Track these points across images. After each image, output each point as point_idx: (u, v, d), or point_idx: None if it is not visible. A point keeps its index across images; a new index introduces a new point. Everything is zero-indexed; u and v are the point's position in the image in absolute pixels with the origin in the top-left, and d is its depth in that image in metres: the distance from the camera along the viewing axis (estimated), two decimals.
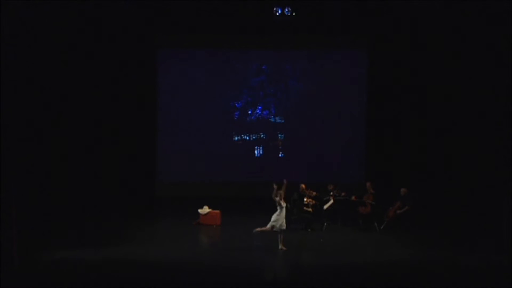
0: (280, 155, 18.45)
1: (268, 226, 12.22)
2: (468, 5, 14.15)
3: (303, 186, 14.62)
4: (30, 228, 12.34)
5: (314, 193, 14.67)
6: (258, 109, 18.36)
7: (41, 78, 13.93)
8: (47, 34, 14.01)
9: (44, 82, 14.14)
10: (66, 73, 15.40)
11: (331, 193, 14.66)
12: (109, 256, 11.71)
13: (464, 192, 15.17)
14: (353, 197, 14.57)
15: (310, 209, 14.30)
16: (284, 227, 12.23)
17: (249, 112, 18.36)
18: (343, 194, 14.64)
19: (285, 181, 12.28)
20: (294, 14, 15.44)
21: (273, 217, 12.16)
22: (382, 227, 14.13)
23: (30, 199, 12.60)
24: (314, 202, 14.43)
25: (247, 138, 18.44)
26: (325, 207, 14.40)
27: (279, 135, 18.46)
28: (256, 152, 18.42)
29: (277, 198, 12.09)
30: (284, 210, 12.19)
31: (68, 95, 15.54)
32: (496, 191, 13.04)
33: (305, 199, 14.35)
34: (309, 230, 14.13)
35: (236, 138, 18.44)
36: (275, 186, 12.18)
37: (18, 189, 11.21)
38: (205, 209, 14.85)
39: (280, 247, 12.19)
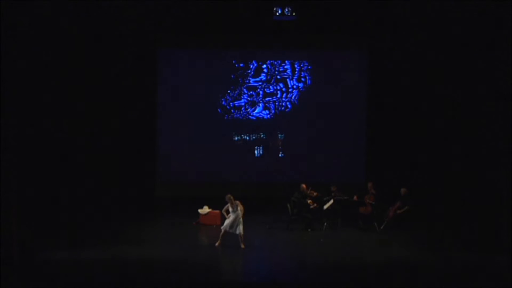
0: (280, 155, 18.44)
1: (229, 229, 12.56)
2: (468, 5, 14.15)
3: (303, 186, 14.61)
4: (30, 228, 12.36)
5: (315, 193, 14.66)
6: (258, 109, 18.35)
7: (41, 77, 13.94)
8: (47, 34, 14.02)
9: (44, 81, 14.15)
10: (66, 72, 15.40)
11: (332, 194, 14.63)
12: (109, 256, 11.72)
13: (464, 192, 15.17)
14: (354, 197, 14.58)
15: (313, 205, 14.32)
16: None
17: (249, 112, 18.36)
18: (345, 198, 14.58)
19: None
20: (294, 14, 15.40)
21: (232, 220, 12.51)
22: (382, 227, 14.13)
23: (30, 199, 12.62)
24: (316, 205, 14.42)
25: (247, 138, 18.43)
26: (325, 207, 14.40)
27: (279, 135, 18.46)
28: (256, 152, 18.41)
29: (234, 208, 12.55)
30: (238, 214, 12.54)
31: (68, 94, 15.54)
32: (496, 190, 13.05)
33: (309, 202, 14.31)
34: (309, 230, 14.14)
35: (236, 138, 18.42)
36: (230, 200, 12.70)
37: (18, 189, 11.22)
38: (205, 209, 14.87)
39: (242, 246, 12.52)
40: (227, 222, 12.57)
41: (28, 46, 12.81)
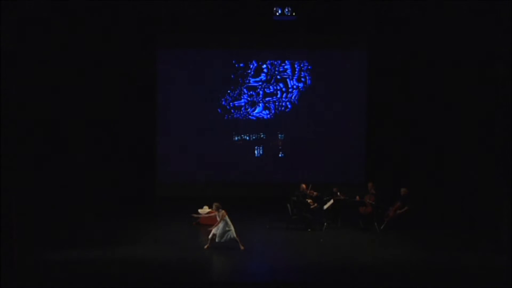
0: (280, 155, 18.45)
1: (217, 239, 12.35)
2: (468, 5, 14.15)
3: (303, 186, 14.61)
4: (30, 228, 12.36)
5: (315, 193, 14.65)
6: (258, 109, 18.35)
7: (41, 77, 13.95)
8: (47, 34, 14.02)
9: (44, 81, 14.16)
10: (66, 73, 15.41)
11: (333, 195, 14.61)
12: (109, 256, 11.72)
13: (464, 192, 15.16)
14: (357, 197, 14.57)
15: (313, 205, 14.31)
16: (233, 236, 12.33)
17: (249, 112, 18.36)
18: (345, 198, 14.55)
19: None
20: (294, 14, 15.41)
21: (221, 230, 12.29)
22: (382, 227, 14.13)
23: (30, 199, 12.62)
24: (315, 205, 14.42)
25: (247, 138, 18.44)
26: (325, 207, 14.40)
27: (279, 135, 18.46)
28: (256, 152, 18.42)
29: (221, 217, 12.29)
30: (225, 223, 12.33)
31: (68, 94, 15.55)
32: (496, 191, 13.04)
33: (308, 201, 14.31)
34: (309, 230, 14.13)
35: (236, 138, 18.43)
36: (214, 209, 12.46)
37: (18, 189, 11.22)
38: (205, 209, 14.84)
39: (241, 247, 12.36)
40: (217, 232, 12.32)
41: (28, 46, 12.81)
